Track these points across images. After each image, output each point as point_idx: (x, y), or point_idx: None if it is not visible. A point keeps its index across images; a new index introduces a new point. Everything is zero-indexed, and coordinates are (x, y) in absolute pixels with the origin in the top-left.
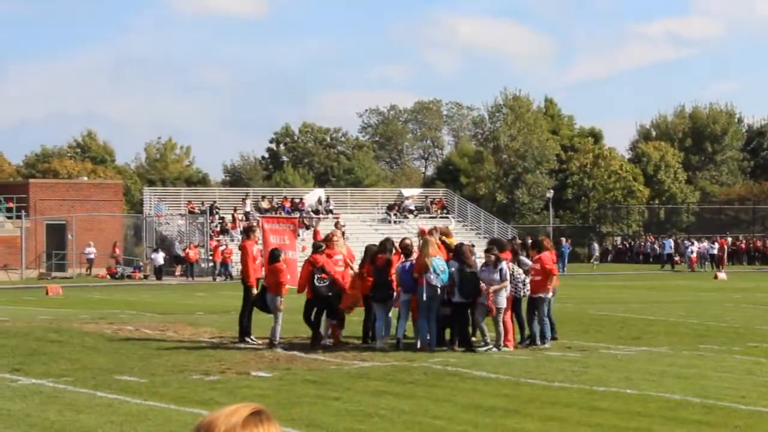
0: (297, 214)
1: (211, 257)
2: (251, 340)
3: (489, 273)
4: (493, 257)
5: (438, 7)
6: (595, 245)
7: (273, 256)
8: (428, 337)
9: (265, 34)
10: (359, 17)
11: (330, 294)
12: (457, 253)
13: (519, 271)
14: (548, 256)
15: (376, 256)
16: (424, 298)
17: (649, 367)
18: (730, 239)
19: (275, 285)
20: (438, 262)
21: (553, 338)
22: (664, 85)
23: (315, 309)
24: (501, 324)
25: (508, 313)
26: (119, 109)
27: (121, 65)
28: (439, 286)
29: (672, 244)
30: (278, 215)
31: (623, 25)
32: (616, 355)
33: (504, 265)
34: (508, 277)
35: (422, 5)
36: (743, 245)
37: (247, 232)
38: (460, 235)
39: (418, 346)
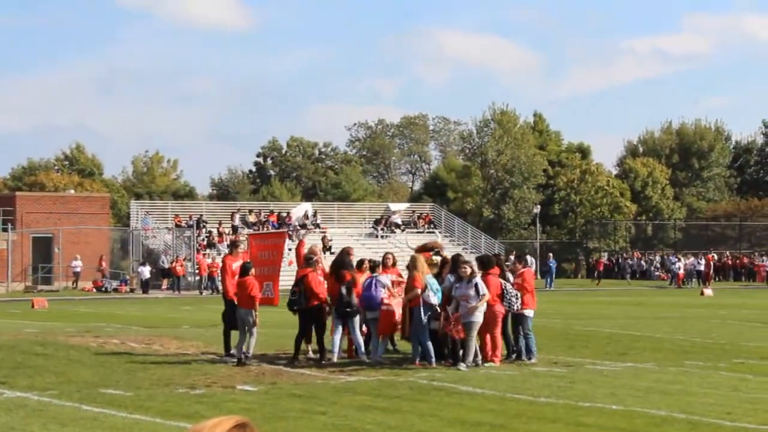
0: (284, 229)
1: (197, 271)
2: (229, 357)
3: (463, 288)
4: (468, 270)
5: (426, 22)
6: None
7: (243, 270)
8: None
9: (252, 46)
10: (347, 30)
11: (296, 308)
12: (455, 265)
13: (509, 286)
14: (531, 273)
15: (341, 271)
16: (424, 318)
17: (634, 383)
18: (716, 255)
19: (246, 299)
20: (431, 279)
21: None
22: (652, 101)
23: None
24: (473, 340)
25: (499, 328)
26: (107, 122)
27: (109, 78)
28: (436, 304)
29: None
30: (266, 231)
31: (611, 41)
32: (602, 371)
33: (478, 279)
34: (485, 291)
35: (410, 19)
36: (729, 261)
37: (231, 247)
38: (447, 250)
39: (417, 363)
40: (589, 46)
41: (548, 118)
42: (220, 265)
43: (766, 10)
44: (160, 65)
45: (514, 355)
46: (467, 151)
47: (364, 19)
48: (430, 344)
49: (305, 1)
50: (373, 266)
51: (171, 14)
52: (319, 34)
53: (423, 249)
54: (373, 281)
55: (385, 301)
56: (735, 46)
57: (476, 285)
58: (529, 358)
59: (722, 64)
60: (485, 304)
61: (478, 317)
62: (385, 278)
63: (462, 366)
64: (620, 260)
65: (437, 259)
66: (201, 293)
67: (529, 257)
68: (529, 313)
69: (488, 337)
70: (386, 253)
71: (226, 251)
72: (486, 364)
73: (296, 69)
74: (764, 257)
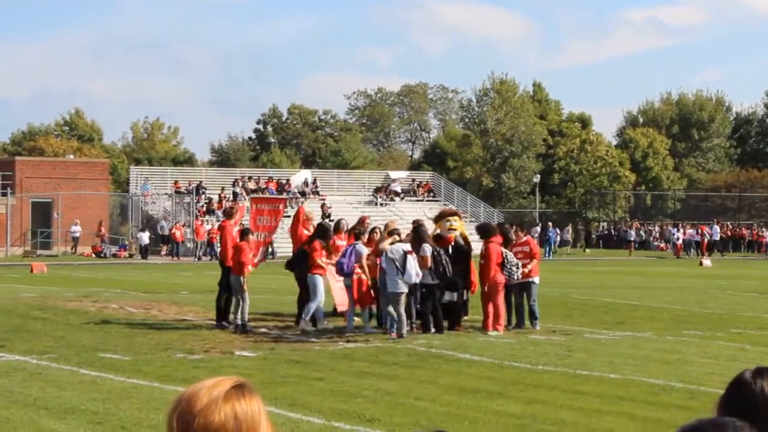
0: (284, 196)
1: (194, 237)
2: (227, 324)
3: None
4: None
5: None
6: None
7: (242, 234)
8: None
9: (249, 15)
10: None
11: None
12: (418, 234)
13: (511, 255)
14: (535, 240)
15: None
16: (397, 287)
17: (632, 352)
18: (717, 227)
19: (237, 265)
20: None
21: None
22: (652, 72)
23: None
24: (398, 309)
25: (500, 296)
26: (106, 89)
27: (108, 44)
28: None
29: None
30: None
31: (609, 12)
32: (600, 340)
33: (410, 256)
34: (412, 269)
35: None
36: (729, 233)
37: (229, 213)
38: None
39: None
40: (587, 17)
41: (548, 87)
42: (219, 231)
43: None
44: (157, 33)
45: (517, 324)
46: (467, 119)
47: None
48: (401, 312)
49: None
50: (358, 234)
51: None
52: (314, 3)
53: (440, 217)
54: (351, 249)
55: (357, 270)
56: (733, 18)
57: (405, 259)
58: (534, 326)
59: (721, 36)
60: (412, 275)
61: (402, 288)
62: (364, 249)
63: (393, 336)
64: (620, 230)
65: (455, 224)
66: (199, 259)
67: (537, 228)
68: (536, 280)
69: (490, 306)
70: (375, 228)
71: (224, 217)
72: (491, 333)
73: (294, 38)
74: (764, 229)
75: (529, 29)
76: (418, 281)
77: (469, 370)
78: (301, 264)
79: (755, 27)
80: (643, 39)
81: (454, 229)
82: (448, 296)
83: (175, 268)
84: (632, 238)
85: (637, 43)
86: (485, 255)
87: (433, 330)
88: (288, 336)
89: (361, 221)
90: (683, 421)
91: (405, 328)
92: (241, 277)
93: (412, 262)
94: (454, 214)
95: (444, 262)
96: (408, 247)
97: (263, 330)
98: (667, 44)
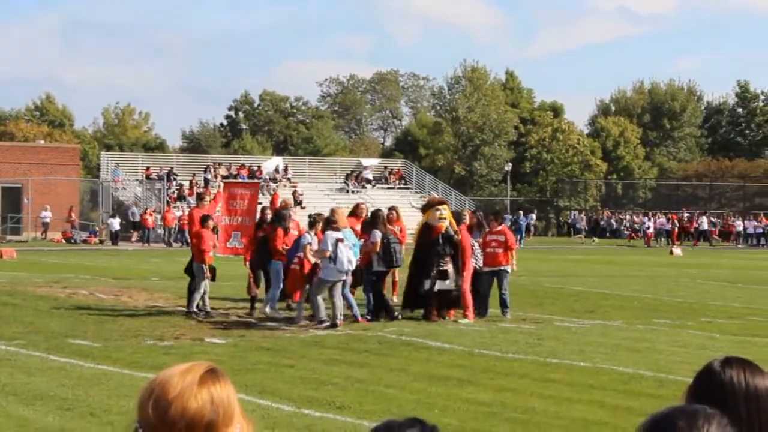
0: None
1: (162, 223)
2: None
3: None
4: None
5: None
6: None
7: (201, 221)
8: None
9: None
10: None
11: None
12: (373, 220)
13: (475, 244)
14: (510, 229)
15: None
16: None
17: (602, 340)
18: (687, 215)
19: (198, 252)
20: (349, 234)
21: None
22: (624, 60)
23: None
24: (316, 298)
25: (467, 284)
26: (77, 74)
27: (79, 29)
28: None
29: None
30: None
31: (578, 1)
32: (571, 328)
33: (376, 233)
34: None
35: None
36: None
37: (198, 200)
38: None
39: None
40: (557, 5)
41: (521, 76)
42: (188, 218)
43: None
44: (129, 18)
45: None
46: (438, 107)
47: None
48: (318, 299)
49: None
50: (312, 223)
51: None
52: None
53: (429, 206)
54: (300, 238)
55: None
56: (703, 7)
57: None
58: (504, 314)
59: (692, 25)
60: (344, 262)
61: (334, 275)
62: (308, 238)
63: (320, 327)
64: (590, 219)
65: (444, 213)
66: (170, 245)
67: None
68: (507, 269)
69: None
70: (392, 207)
71: (194, 204)
72: (462, 321)
73: (266, 24)
74: (733, 217)
75: (502, 17)
76: (351, 268)
77: (440, 358)
78: (261, 251)
79: (726, 17)
80: (614, 27)
81: (444, 218)
82: (439, 285)
83: (146, 254)
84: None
85: (608, 31)
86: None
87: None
88: (259, 323)
89: (357, 206)
90: (653, 409)
91: (323, 314)
92: (203, 265)
93: (344, 250)
94: (442, 203)
95: (393, 249)
96: (339, 234)
97: (233, 317)
98: (638, 32)
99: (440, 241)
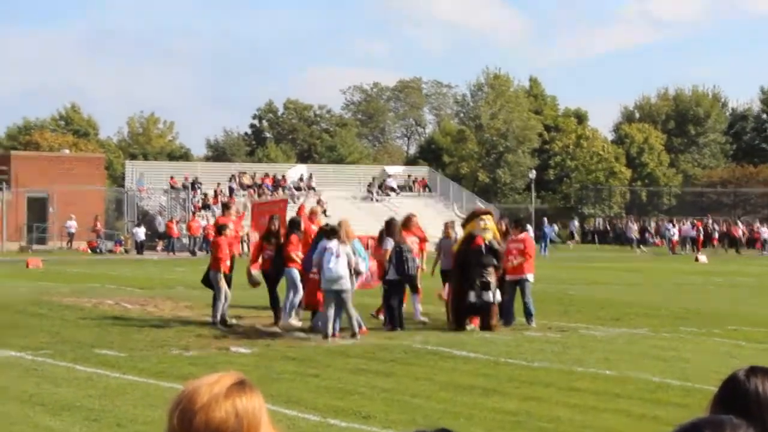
0: (279, 191)
1: (187, 233)
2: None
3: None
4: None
5: None
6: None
7: (217, 230)
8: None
9: (244, 8)
10: None
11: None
12: (388, 228)
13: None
14: (531, 238)
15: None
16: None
17: (628, 349)
18: (711, 221)
19: (214, 260)
20: (358, 245)
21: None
22: (648, 67)
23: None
24: (328, 310)
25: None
26: (102, 83)
27: (103, 38)
28: (364, 271)
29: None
30: (265, 197)
31: (602, 7)
32: (596, 336)
33: (389, 242)
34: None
35: None
36: (725, 229)
37: (224, 208)
38: (443, 214)
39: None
40: (580, 11)
41: (544, 83)
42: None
43: None
44: (152, 27)
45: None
46: (461, 115)
47: None
48: (327, 312)
49: None
50: (329, 232)
51: None
52: None
53: (473, 216)
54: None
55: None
56: (727, 12)
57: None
58: (529, 323)
59: (716, 31)
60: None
61: (324, 284)
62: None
63: (328, 340)
64: (616, 226)
65: (488, 224)
66: (194, 254)
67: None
68: (530, 278)
69: None
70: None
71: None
72: (468, 327)
73: (289, 32)
74: (760, 224)
75: (525, 24)
76: (343, 277)
77: (465, 367)
78: (277, 261)
79: (750, 23)
80: (638, 33)
81: (487, 229)
82: (485, 296)
83: (171, 263)
84: (633, 236)
85: (631, 37)
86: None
87: (397, 327)
88: (283, 332)
89: (408, 219)
90: (680, 418)
91: (325, 328)
92: (219, 273)
93: (332, 260)
94: (486, 213)
95: (405, 258)
96: (331, 244)
97: (258, 326)
98: (661, 38)
99: (483, 251)
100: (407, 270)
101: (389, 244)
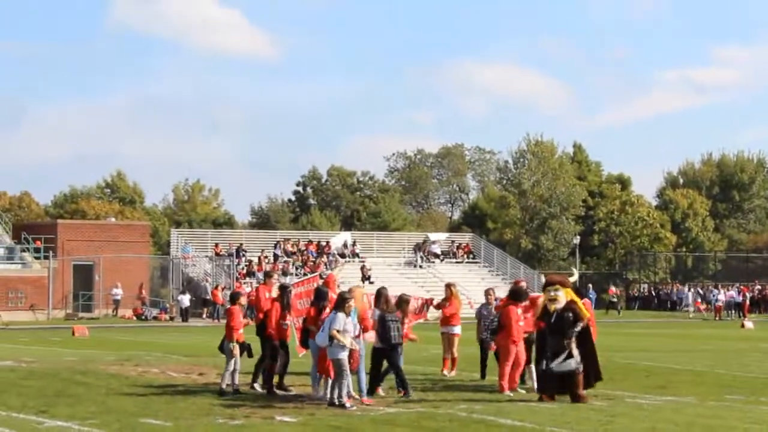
0: (323, 258)
1: None
2: (257, 386)
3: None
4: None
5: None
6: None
7: (230, 299)
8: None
9: (281, 76)
10: (375, 62)
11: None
12: (377, 299)
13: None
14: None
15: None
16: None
17: (675, 417)
18: (758, 287)
19: (228, 329)
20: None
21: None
22: (691, 132)
23: None
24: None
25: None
26: (146, 151)
27: (146, 106)
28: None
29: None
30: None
31: (643, 73)
32: (642, 405)
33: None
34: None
35: (438, 51)
36: None
37: (266, 276)
38: (486, 280)
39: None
40: (620, 78)
41: (587, 148)
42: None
43: None
44: (195, 95)
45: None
46: (504, 181)
47: (393, 51)
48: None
49: (332, 32)
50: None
51: (200, 44)
52: (352, 64)
53: (546, 284)
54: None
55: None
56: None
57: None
58: None
59: (757, 95)
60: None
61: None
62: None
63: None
64: (660, 291)
65: (556, 294)
66: None
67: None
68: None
69: (506, 367)
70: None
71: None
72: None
73: (332, 99)
74: None
75: (566, 90)
76: (322, 344)
77: None
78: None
79: None
80: (680, 98)
81: (554, 299)
82: (566, 366)
83: (216, 330)
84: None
85: (673, 102)
86: (507, 317)
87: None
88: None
89: (488, 292)
90: None
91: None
92: (231, 343)
93: (326, 328)
94: (554, 283)
95: (388, 327)
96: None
97: (300, 394)
98: (703, 103)
99: (553, 320)
100: (393, 339)
101: (374, 314)
